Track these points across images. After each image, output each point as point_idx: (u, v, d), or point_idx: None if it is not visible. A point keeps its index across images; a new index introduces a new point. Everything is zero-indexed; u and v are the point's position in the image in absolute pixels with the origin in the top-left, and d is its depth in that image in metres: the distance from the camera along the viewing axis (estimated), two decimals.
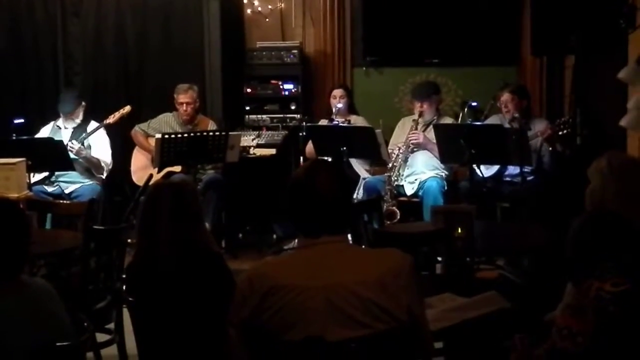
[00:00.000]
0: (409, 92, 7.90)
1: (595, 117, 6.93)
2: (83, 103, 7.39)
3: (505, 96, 6.98)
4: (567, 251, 2.98)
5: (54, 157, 6.83)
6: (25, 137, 6.96)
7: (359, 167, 7.31)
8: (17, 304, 2.83)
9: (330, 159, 6.65)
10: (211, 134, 6.80)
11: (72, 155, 7.02)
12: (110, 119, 7.27)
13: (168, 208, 3.50)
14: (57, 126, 7.35)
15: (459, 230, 4.52)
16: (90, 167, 7.23)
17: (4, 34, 8.15)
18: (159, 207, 3.52)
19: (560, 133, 6.49)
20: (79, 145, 7.09)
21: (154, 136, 6.93)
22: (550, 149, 6.70)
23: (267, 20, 8.41)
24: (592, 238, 2.91)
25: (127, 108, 7.34)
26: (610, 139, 6.45)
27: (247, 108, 8.18)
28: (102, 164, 7.29)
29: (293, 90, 8.18)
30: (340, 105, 7.40)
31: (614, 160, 3.74)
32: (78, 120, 7.32)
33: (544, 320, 3.35)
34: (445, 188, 6.91)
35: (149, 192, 3.80)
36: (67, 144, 7.04)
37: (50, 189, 7.08)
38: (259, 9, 8.38)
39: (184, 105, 7.35)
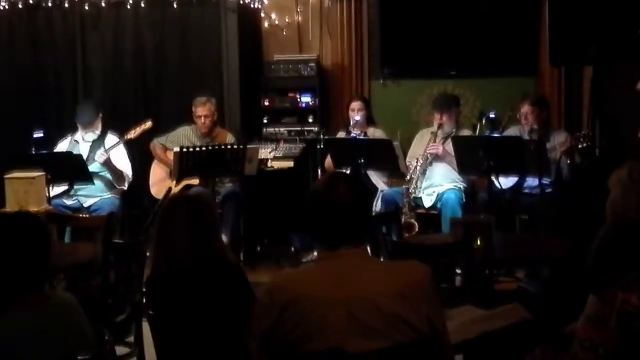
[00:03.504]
0: (426, 104, 7.90)
1: (614, 128, 6.91)
2: (100, 114, 7.39)
3: (526, 107, 6.95)
4: (590, 261, 2.97)
5: (73, 170, 6.85)
6: (44, 151, 6.99)
7: (377, 179, 7.31)
8: (40, 317, 2.84)
9: (348, 171, 6.66)
10: (229, 147, 6.82)
11: (93, 168, 7.06)
12: (131, 134, 7.23)
13: (184, 219, 3.50)
14: (75, 140, 7.34)
15: (478, 242, 4.51)
16: (114, 177, 7.24)
17: (24, 48, 8.21)
18: (175, 219, 3.52)
19: (580, 146, 6.47)
20: (108, 155, 7.09)
21: (172, 149, 6.95)
22: (569, 161, 6.65)
23: (285, 33, 8.44)
24: (615, 247, 2.90)
25: (149, 123, 7.30)
26: (629, 150, 6.42)
27: (265, 120, 8.20)
28: (124, 175, 7.30)
29: (310, 103, 8.19)
30: (358, 118, 7.39)
31: (635, 170, 3.72)
32: (98, 131, 7.29)
33: (564, 332, 3.33)
34: (464, 200, 6.90)
35: (165, 204, 3.81)
36: (94, 155, 7.09)
37: (69, 203, 7.10)
38: (276, 22, 8.41)
39: (202, 117, 7.36)
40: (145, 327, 3.97)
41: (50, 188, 6.58)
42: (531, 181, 6.75)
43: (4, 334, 2.78)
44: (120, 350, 4.66)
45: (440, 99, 7.41)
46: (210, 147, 6.78)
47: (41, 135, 7.12)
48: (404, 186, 6.94)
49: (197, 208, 3.56)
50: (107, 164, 7.12)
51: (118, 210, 7.05)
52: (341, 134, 7.54)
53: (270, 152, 7.55)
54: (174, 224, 3.51)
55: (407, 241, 5.73)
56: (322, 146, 7.12)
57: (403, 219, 6.48)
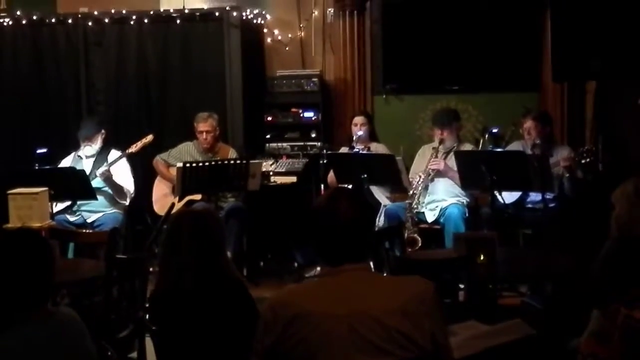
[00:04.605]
0: (429, 119, 7.89)
1: (617, 143, 6.91)
2: (103, 131, 7.39)
3: (529, 123, 6.96)
4: (595, 276, 2.96)
5: (76, 186, 6.84)
6: (48, 167, 6.99)
7: (380, 194, 7.30)
8: (44, 334, 2.84)
9: (350, 187, 6.66)
10: (232, 162, 6.82)
11: (96, 184, 7.06)
12: (133, 148, 7.25)
13: (189, 235, 3.50)
14: (78, 156, 7.35)
15: (481, 257, 4.50)
16: (114, 193, 7.23)
17: (27, 63, 8.21)
18: (181, 235, 3.53)
19: (582, 161, 6.46)
20: (109, 172, 7.10)
21: (175, 165, 6.95)
22: (567, 175, 6.64)
23: (287, 48, 8.47)
24: (620, 263, 2.89)
25: (150, 137, 7.32)
26: (633, 165, 6.42)
27: (268, 136, 8.21)
28: (125, 191, 7.31)
29: (313, 118, 8.20)
30: (360, 133, 7.40)
31: None
32: (96, 147, 7.30)
33: (568, 348, 3.32)
34: (467, 215, 6.88)
35: (171, 220, 3.81)
36: (94, 171, 7.09)
37: (72, 219, 7.10)
38: (279, 37, 8.44)
39: (204, 133, 7.37)
40: (149, 343, 3.96)
41: (54, 204, 6.58)
42: (534, 196, 6.75)
43: (7, 350, 2.78)
44: None
45: (439, 115, 7.41)
46: (213, 162, 6.78)
47: (44, 151, 7.12)
48: (406, 201, 6.93)
49: (204, 224, 3.57)
50: (108, 180, 7.12)
51: (121, 225, 7.07)
52: (344, 149, 7.55)
53: (271, 165, 7.55)
54: (181, 239, 3.51)
55: (410, 256, 5.72)
56: (324, 161, 7.13)
57: (406, 234, 6.48)
